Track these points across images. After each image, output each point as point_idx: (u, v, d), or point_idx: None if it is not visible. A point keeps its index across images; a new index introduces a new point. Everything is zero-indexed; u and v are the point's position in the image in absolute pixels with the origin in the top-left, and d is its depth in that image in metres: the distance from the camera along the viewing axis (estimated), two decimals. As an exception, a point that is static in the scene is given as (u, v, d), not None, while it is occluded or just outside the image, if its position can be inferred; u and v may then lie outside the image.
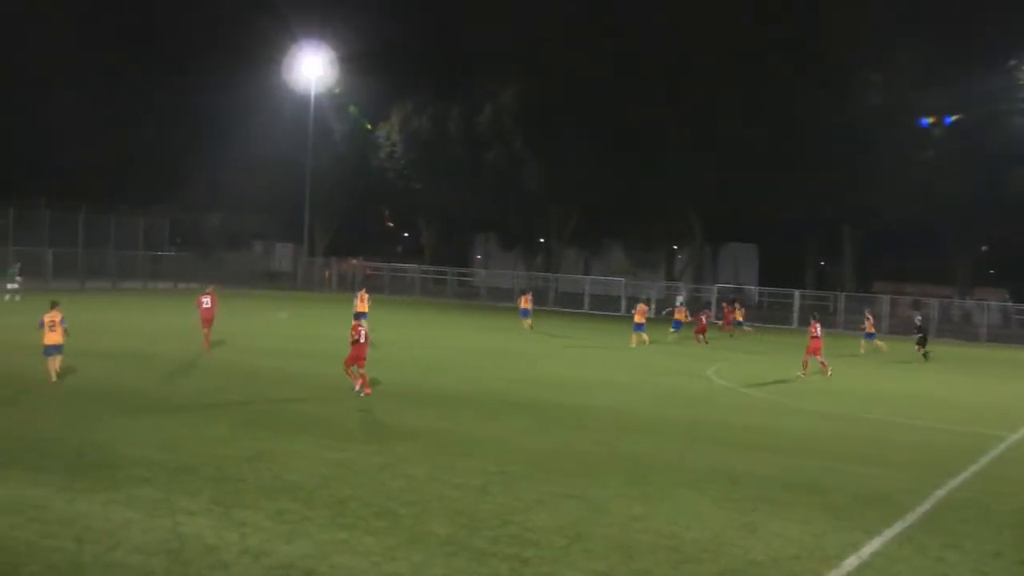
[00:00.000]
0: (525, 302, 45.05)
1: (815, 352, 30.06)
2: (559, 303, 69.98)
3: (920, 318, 43.89)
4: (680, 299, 58.75)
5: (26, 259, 52.65)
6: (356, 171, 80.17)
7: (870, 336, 42.10)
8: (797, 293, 62.58)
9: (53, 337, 20.84)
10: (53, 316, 21.00)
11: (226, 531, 10.76)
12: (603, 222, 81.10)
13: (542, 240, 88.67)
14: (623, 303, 67.25)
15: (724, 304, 40.98)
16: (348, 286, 76.45)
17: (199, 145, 76.29)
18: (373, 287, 67.86)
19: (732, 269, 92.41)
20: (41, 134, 77.06)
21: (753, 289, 66.68)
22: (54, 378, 20.78)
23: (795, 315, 60.80)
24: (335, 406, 19.40)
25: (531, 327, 43.68)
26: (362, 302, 36.32)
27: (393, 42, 74.28)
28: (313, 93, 72.74)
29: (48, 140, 77.54)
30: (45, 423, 16.19)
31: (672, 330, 43.20)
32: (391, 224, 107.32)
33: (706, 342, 41.16)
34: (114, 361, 24.97)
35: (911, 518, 13.09)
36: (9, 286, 47.17)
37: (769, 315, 62.81)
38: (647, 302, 45.38)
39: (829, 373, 30.35)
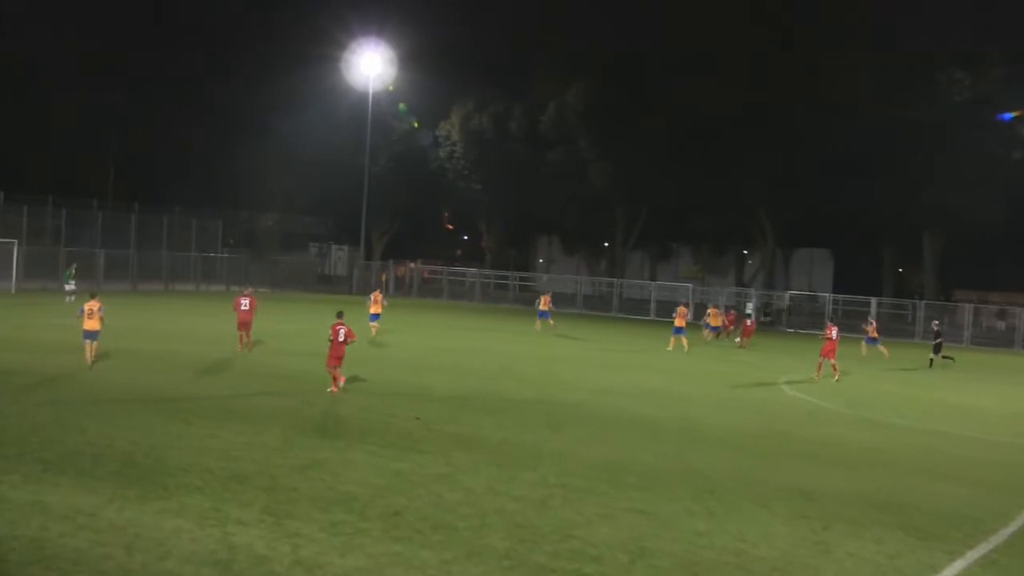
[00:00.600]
0: (544, 303, 45.81)
1: (828, 354, 30.82)
2: (624, 309, 69.61)
3: (937, 323, 43.50)
4: (751, 306, 58.24)
5: (78, 260, 53.71)
6: (415, 171, 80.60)
7: (872, 341, 42.92)
8: (874, 301, 61.44)
9: (91, 324, 23.79)
10: (92, 305, 23.99)
11: (278, 542, 10.82)
12: (671, 225, 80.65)
13: (606, 244, 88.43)
14: (691, 310, 66.69)
15: (731, 311, 41.20)
16: (406, 290, 76.92)
17: (254, 145, 77.20)
18: (431, 291, 68.23)
19: (805, 275, 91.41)
20: (94, 133, 78.61)
21: (826, 296, 65.62)
22: (89, 362, 23.53)
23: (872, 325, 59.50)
24: (391, 414, 19.46)
25: (553, 327, 44.77)
26: (375, 303, 36.92)
27: (454, 38, 74.75)
28: (371, 92, 73.21)
29: (100, 139, 79.08)
30: (96, 428, 16.43)
31: (709, 332, 45.05)
32: (450, 226, 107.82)
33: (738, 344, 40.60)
34: (166, 365, 25.30)
35: (995, 540, 12.78)
36: (67, 287, 48.38)
37: (844, 324, 61.72)
38: (687, 305, 46.24)
39: (837, 378, 30.91)
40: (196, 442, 15.70)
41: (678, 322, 39.87)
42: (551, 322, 45.36)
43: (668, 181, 70.27)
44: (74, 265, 51.13)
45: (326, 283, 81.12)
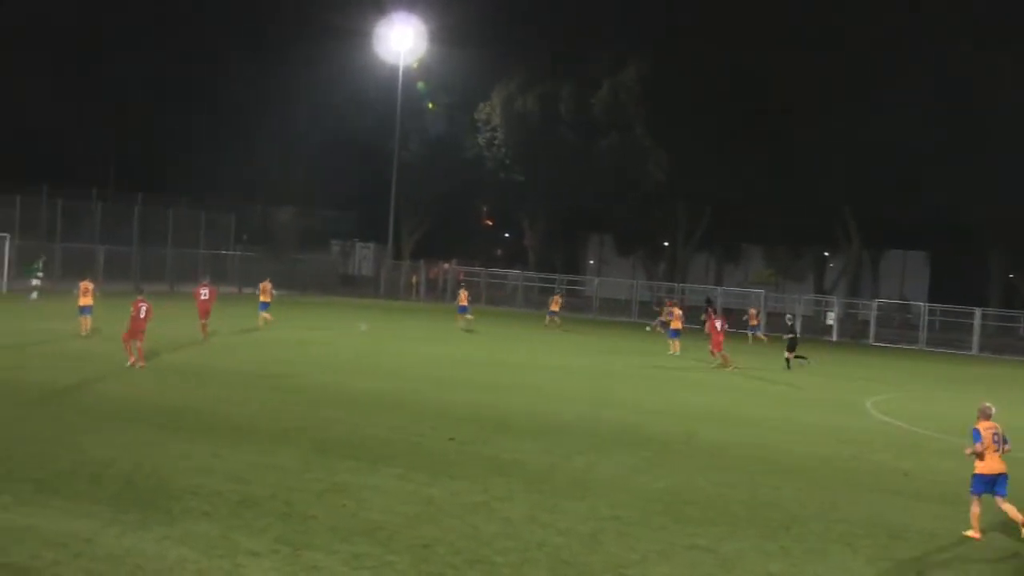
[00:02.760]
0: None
1: (716, 347, 36.20)
2: (685, 318, 69.22)
3: (791, 317, 43.45)
4: (832, 315, 57.95)
5: (75, 257, 54.34)
6: (450, 160, 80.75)
7: (754, 329, 48.99)
8: (978, 312, 60.55)
9: (86, 300, 33.18)
10: (87, 284, 33.54)
11: None
12: (740, 223, 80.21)
13: (666, 244, 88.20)
14: (762, 319, 66.40)
15: (709, 309, 41.87)
16: (439, 294, 77.13)
17: (270, 130, 77.72)
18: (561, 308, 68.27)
19: (896, 281, 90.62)
20: (92, 116, 79.40)
21: (921, 306, 64.97)
22: (84, 332, 32.59)
23: (975, 339, 58.78)
24: (421, 434, 19.55)
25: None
26: (264, 293, 41.65)
27: (494, 10, 74.76)
28: (402, 69, 73.42)
29: (99, 125, 79.88)
30: (94, 445, 16.66)
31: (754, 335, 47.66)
32: (490, 223, 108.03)
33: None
34: (170, 376, 25.58)
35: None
36: (32, 282, 49.37)
37: (942, 338, 61.23)
38: (678, 305, 49.21)
39: (731, 368, 35.81)
40: (203, 462, 15.88)
41: (674, 324, 43.04)
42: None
43: (737, 173, 69.82)
44: (42, 258, 51.90)
45: (349, 285, 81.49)
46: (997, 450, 14.52)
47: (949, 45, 61.57)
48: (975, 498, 14.59)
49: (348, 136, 77.69)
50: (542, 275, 78.69)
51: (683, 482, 16.92)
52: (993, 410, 15.03)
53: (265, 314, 41.14)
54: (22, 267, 52.80)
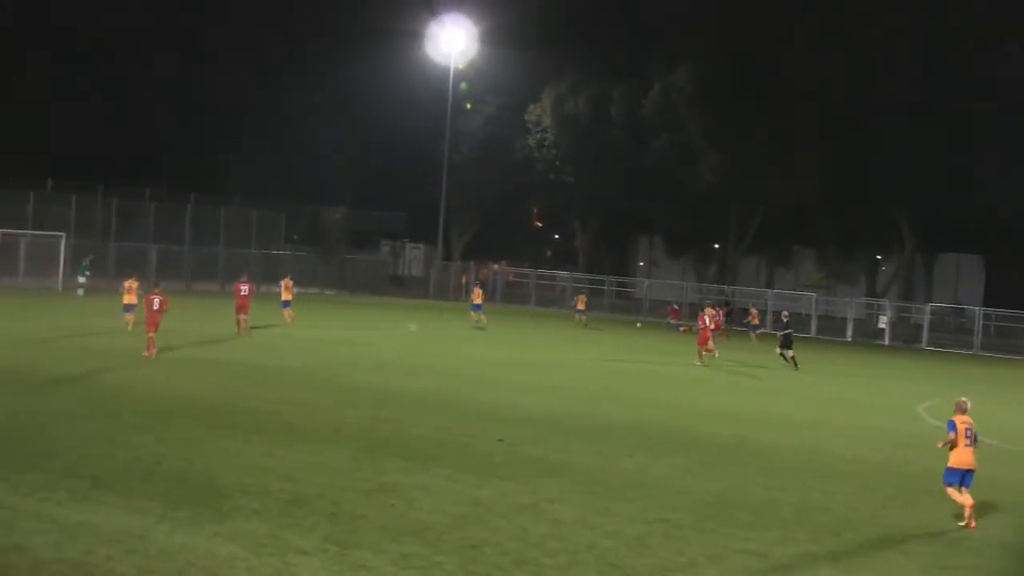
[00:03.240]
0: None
1: (702, 343, 37.56)
2: (736, 321, 68.94)
3: (787, 314, 42.72)
4: (884, 319, 57.55)
5: (128, 256, 54.98)
6: (500, 161, 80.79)
7: (754, 329, 48.67)
8: (1036, 316, 59.77)
9: (130, 298, 34.78)
10: (131, 283, 35.22)
11: (342, 575, 10.97)
12: (792, 225, 79.64)
13: (716, 246, 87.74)
14: (813, 323, 65.92)
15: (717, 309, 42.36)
16: (489, 295, 77.19)
17: (321, 130, 78.13)
18: (516, 297, 68.33)
19: (950, 285, 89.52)
20: (146, 115, 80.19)
21: (976, 310, 64.13)
22: (130, 328, 33.81)
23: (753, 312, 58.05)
24: (470, 435, 19.58)
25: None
26: (286, 291, 42.41)
27: (545, 12, 74.71)
28: (452, 70, 73.58)
29: (152, 124, 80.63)
30: (147, 443, 16.83)
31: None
32: (539, 224, 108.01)
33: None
34: (221, 375, 25.80)
35: None
36: (80, 280, 50.14)
37: (998, 343, 60.43)
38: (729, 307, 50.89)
39: (701, 363, 36.94)
40: (253, 460, 16.00)
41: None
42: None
43: (790, 173, 69.26)
44: (90, 257, 52.66)
45: (399, 285, 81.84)
46: (968, 444, 14.98)
47: (1002, 44, 60.87)
48: (950, 489, 15.14)
49: (399, 137, 77.95)
50: (591, 276, 78.51)
51: (734, 485, 16.82)
52: (969, 405, 15.43)
53: (288, 311, 41.71)
54: (76, 266, 53.55)
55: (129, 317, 34.50)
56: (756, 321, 56.23)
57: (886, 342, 61.96)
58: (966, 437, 15.00)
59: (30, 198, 57.62)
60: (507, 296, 76.58)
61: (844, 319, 67.58)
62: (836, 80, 65.80)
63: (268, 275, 67.87)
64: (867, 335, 64.28)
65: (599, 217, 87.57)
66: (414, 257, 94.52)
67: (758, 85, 68.32)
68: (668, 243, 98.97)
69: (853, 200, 71.10)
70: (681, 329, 55.39)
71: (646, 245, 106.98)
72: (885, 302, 71.11)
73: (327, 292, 70.77)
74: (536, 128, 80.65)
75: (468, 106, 77.68)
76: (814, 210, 73.85)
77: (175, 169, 79.53)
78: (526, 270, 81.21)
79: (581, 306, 55.79)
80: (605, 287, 75.80)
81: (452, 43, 72.98)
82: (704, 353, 37.77)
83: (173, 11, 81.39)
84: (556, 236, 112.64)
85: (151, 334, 27.98)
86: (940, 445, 15.37)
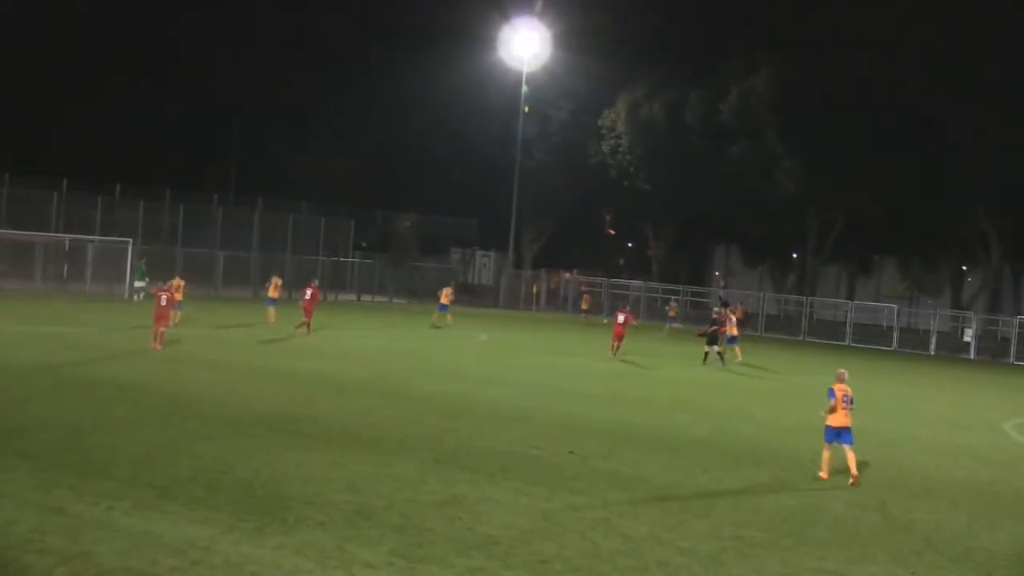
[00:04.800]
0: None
1: (617, 338, 40.05)
2: (814, 333, 68.36)
3: (718, 311, 43.16)
4: (970, 331, 56.71)
5: (194, 263, 55.68)
6: (574, 168, 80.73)
7: (732, 340, 43.27)
8: None
9: (178, 296, 37.77)
10: (178, 282, 39.28)
11: (409, 588, 10.99)
12: (873, 234, 78.75)
13: (795, 255, 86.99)
14: (895, 336, 65.07)
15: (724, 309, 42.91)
16: (560, 304, 77.17)
17: (390, 135, 78.61)
18: (591, 307, 68.14)
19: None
20: (215, 120, 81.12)
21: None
22: (174, 323, 36.23)
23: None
24: (541, 447, 19.53)
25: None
26: (274, 288, 42.53)
27: (621, 15, 74.61)
28: (525, 76, 73.69)
29: (221, 126, 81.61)
30: (211, 452, 16.99)
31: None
32: (612, 232, 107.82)
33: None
34: (288, 383, 26.01)
35: None
36: (137, 285, 50.99)
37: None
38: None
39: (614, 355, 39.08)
40: (319, 471, 16.08)
41: (731, 330, 42.38)
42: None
43: (871, 183, 68.46)
44: (144, 260, 53.40)
45: (469, 293, 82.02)
46: (845, 408, 18.40)
47: None
48: (826, 445, 18.58)
49: (471, 142, 78.19)
50: (665, 286, 78.16)
51: (812, 502, 16.62)
52: (846, 375, 19.12)
53: (272, 310, 41.94)
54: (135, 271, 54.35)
55: (174, 315, 36.74)
56: (672, 313, 61.26)
57: (972, 356, 60.98)
58: (843, 402, 18.39)
59: (98, 203, 58.58)
60: (579, 306, 76.35)
61: (927, 332, 66.62)
62: (920, 81, 64.91)
63: (336, 282, 68.52)
64: (951, 349, 63.28)
65: (674, 224, 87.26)
66: (484, 265, 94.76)
67: (839, 88, 67.58)
68: (745, 252, 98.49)
69: (938, 208, 70.08)
70: (669, 328, 58.14)
71: (722, 253, 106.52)
72: (971, 314, 69.97)
73: (396, 300, 71.16)
74: (610, 134, 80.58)
75: (526, 109, 77.43)
76: (897, 218, 72.93)
77: (243, 174, 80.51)
78: (599, 279, 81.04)
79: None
80: (680, 297, 75.31)
81: (525, 47, 73.11)
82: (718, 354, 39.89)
83: (242, 10, 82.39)
84: (629, 244, 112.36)
85: (162, 329, 31.26)
86: (823, 412, 18.52)
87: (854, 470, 18.13)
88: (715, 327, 40.66)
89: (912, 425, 27.65)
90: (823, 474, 18.43)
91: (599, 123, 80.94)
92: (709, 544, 13.59)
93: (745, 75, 73.59)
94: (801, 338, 66.50)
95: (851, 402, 18.55)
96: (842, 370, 19.41)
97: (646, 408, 26.48)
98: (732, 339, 42.52)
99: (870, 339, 65.34)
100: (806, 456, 20.93)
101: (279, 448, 17.63)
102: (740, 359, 41.92)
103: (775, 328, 69.76)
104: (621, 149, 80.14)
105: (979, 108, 64.02)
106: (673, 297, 71.18)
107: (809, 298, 73.82)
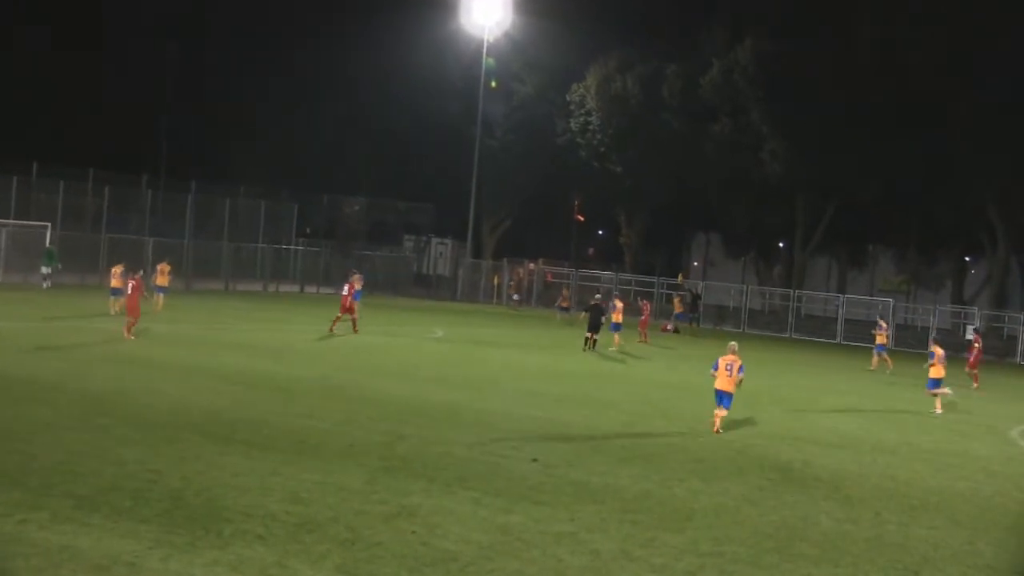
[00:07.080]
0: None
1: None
2: (801, 330, 68.76)
3: (599, 297, 46.99)
4: (973, 329, 57.11)
5: (122, 250, 55.24)
6: (538, 147, 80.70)
7: (881, 348, 46.62)
8: None
9: (116, 283, 39.55)
10: (117, 269, 40.50)
11: (356, 609, 11.00)
12: (867, 221, 79.19)
13: (781, 245, 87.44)
14: (891, 332, 65.53)
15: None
16: (524, 296, 77.12)
17: (337, 111, 78.32)
18: (555, 298, 68.25)
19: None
20: (143, 93, 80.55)
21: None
22: (113, 312, 38.76)
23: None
24: (501, 454, 19.57)
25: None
26: (162, 275, 45.63)
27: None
28: (485, 47, 73.55)
29: (150, 104, 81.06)
30: (139, 458, 16.89)
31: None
32: (581, 218, 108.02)
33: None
34: (226, 384, 25.89)
35: None
36: (44, 271, 51.07)
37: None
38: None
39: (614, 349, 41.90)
40: (258, 480, 16.04)
41: (616, 317, 45.05)
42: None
43: (864, 167, 68.81)
44: (52, 244, 53.31)
45: (424, 285, 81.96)
46: (729, 375, 23.47)
47: None
48: (717, 406, 23.85)
49: (426, 120, 78.00)
50: (639, 278, 78.31)
51: (798, 515, 16.74)
52: (736, 347, 24.14)
53: (161, 297, 43.50)
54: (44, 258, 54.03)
55: (114, 302, 39.70)
56: (565, 304, 62.86)
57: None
58: (726, 370, 23.51)
59: (13, 183, 57.96)
60: (544, 298, 76.44)
61: (926, 328, 67.07)
62: (921, 58, 65.34)
63: (278, 272, 68.17)
64: (953, 347, 63.76)
65: (649, 211, 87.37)
66: (440, 254, 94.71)
67: (831, 63, 67.85)
68: (727, 241, 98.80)
69: (939, 194, 70.52)
70: (662, 327, 59.72)
71: (702, 243, 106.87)
72: (974, 310, 70.60)
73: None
74: (579, 110, 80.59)
75: (493, 84, 77.41)
76: (893, 205, 73.35)
77: (176, 155, 79.88)
78: (566, 269, 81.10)
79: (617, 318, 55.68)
80: (655, 289, 75.15)
81: (487, 14, 72.90)
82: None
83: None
84: (600, 232, 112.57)
85: (131, 320, 33.41)
86: (712, 373, 23.89)
87: (718, 426, 23.77)
88: (598, 312, 42.93)
89: (909, 431, 27.85)
90: (716, 429, 23.73)
91: (567, 98, 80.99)
92: (686, 561, 13.66)
93: (728, 46, 73.71)
94: (788, 335, 66.84)
95: (739, 370, 23.59)
96: (733, 343, 24.72)
97: (616, 411, 26.54)
98: (616, 326, 44.41)
99: (863, 336, 65.70)
100: (789, 465, 21.09)
101: (213, 454, 17.56)
102: (616, 348, 43.88)
103: (759, 324, 70.10)
104: (591, 127, 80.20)
105: (984, 88, 64.59)
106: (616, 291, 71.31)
107: (797, 292, 74.23)
